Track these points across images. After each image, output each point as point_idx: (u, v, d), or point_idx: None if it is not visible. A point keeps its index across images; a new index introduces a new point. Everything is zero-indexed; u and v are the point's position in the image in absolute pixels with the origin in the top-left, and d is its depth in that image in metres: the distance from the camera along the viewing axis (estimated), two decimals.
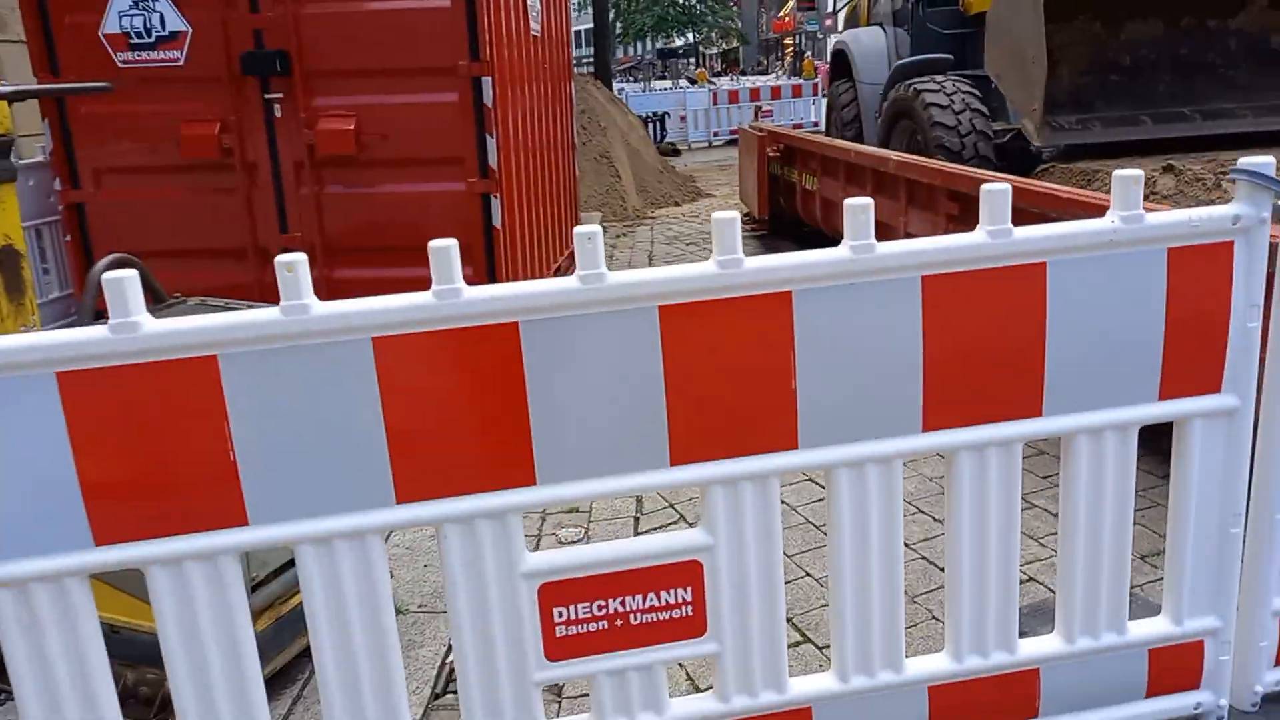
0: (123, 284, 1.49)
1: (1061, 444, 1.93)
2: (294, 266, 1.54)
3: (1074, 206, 3.73)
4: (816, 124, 18.49)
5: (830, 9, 51.25)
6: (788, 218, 8.49)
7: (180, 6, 5.08)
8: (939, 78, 6.29)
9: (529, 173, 6.27)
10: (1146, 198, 3.87)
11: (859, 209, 1.73)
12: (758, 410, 1.78)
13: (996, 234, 1.79)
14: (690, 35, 53.30)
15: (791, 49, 56.45)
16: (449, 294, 1.60)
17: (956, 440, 1.84)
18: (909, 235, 5.51)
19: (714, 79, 29.99)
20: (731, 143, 19.64)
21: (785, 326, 1.76)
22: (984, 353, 1.84)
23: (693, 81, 28.34)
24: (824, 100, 20.17)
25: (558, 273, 7.34)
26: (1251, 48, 4.92)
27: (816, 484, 3.60)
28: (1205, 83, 4.84)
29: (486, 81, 5.18)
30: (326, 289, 5.43)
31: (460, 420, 1.68)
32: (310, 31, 5.16)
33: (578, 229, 1.67)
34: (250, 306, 3.25)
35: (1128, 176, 1.83)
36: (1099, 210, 3.07)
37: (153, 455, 1.57)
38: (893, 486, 1.84)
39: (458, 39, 5.12)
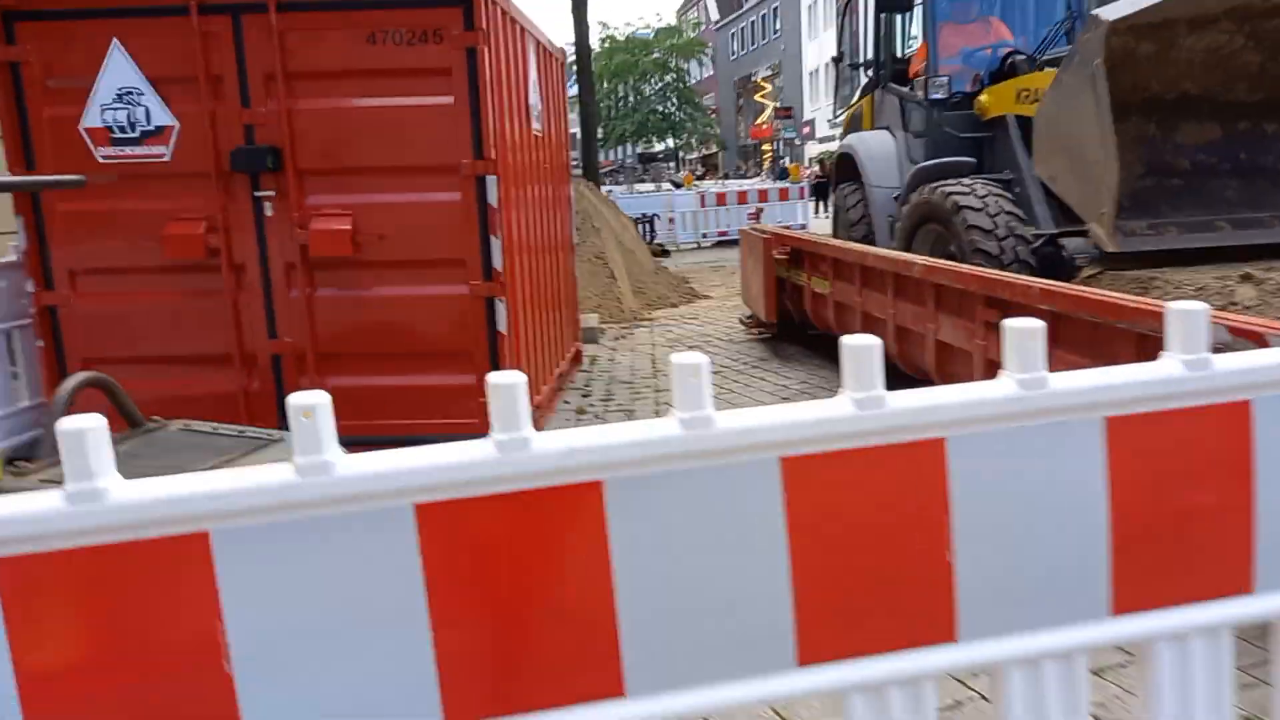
0: (84, 440, 1.09)
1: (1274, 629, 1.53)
2: (310, 413, 1.15)
3: (1143, 317, 3.42)
4: (804, 225, 18.56)
5: (803, 119, 52.80)
6: (796, 321, 8.21)
7: (168, 100, 4.79)
8: (967, 181, 6.09)
9: (532, 275, 5.96)
10: (1223, 308, 3.60)
11: (1026, 333, 1.36)
12: (904, 590, 1.38)
13: (1194, 365, 1.42)
14: (670, 140, 54.48)
15: (770, 154, 57.76)
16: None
17: (1153, 627, 1.44)
18: (940, 343, 5.20)
19: (698, 182, 30.25)
20: (721, 244, 19.70)
21: (938, 481, 1.37)
22: (1180, 511, 1.46)
23: (676, 185, 28.69)
24: (808, 204, 20.40)
25: (560, 379, 6.97)
26: None
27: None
28: (1268, 188, 4.66)
29: (491, 180, 4.89)
30: None
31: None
32: (305, 127, 4.88)
33: (677, 359, 1.30)
34: (241, 433, 2.86)
35: None
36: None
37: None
38: (1076, 692, 1.42)
39: (461, 136, 4.85)
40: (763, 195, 19.96)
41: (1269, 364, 1.44)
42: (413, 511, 1.20)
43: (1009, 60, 6.98)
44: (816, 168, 38.10)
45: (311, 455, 1.15)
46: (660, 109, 51.39)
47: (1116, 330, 3.61)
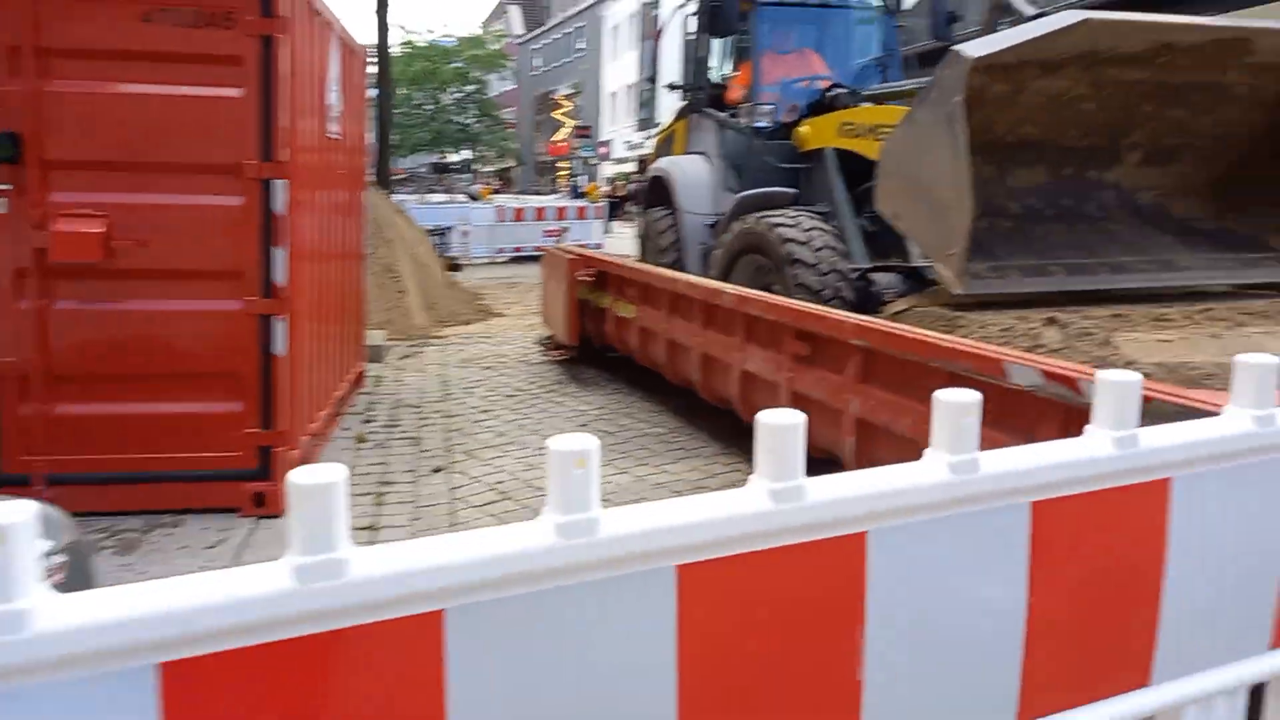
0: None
1: None
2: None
3: (957, 356, 3.42)
4: (600, 245, 18.55)
5: (600, 138, 53.47)
6: (595, 344, 8.02)
7: None
8: (791, 213, 6.02)
9: (317, 289, 5.40)
10: (1030, 349, 3.68)
11: (960, 409, 1.16)
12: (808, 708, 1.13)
13: (1123, 442, 1.26)
14: (467, 152, 53.54)
15: (566, 172, 57.98)
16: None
17: None
18: (746, 374, 5.13)
19: (495, 195, 29.75)
20: (516, 260, 19.34)
21: (855, 583, 1.14)
22: (1096, 600, 1.30)
23: (473, 197, 28.03)
24: (602, 223, 20.44)
25: (339, 403, 6.36)
26: (1124, 202, 4.97)
27: None
28: (1089, 234, 4.77)
29: (279, 185, 4.34)
30: (44, 427, 4.26)
31: None
32: (57, 112, 4.15)
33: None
34: None
35: (1264, 366, 1.37)
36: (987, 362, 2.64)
37: None
38: None
39: (248, 134, 4.28)
40: (561, 213, 19.79)
41: (1189, 440, 1.30)
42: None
43: (829, 93, 7.00)
44: (609, 187, 38.59)
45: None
46: (458, 119, 50.37)
47: (929, 369, 3.60)
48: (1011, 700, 1.24)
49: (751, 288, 5.97)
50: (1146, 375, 3.13)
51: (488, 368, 8.47)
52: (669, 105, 9.19)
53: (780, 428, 1.06)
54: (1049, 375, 3.00)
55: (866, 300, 5.46)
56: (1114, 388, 1.25)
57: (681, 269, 7.48)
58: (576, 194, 41.58)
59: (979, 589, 1.21)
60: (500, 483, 5.13)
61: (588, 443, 0.98)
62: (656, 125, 9.54)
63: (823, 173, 6.57)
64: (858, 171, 6.31)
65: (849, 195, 6.30)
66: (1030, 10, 5.10)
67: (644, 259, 8.34)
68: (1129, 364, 3.18)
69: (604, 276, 7.62)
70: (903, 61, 7.83)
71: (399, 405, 7.03)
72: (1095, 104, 4.52)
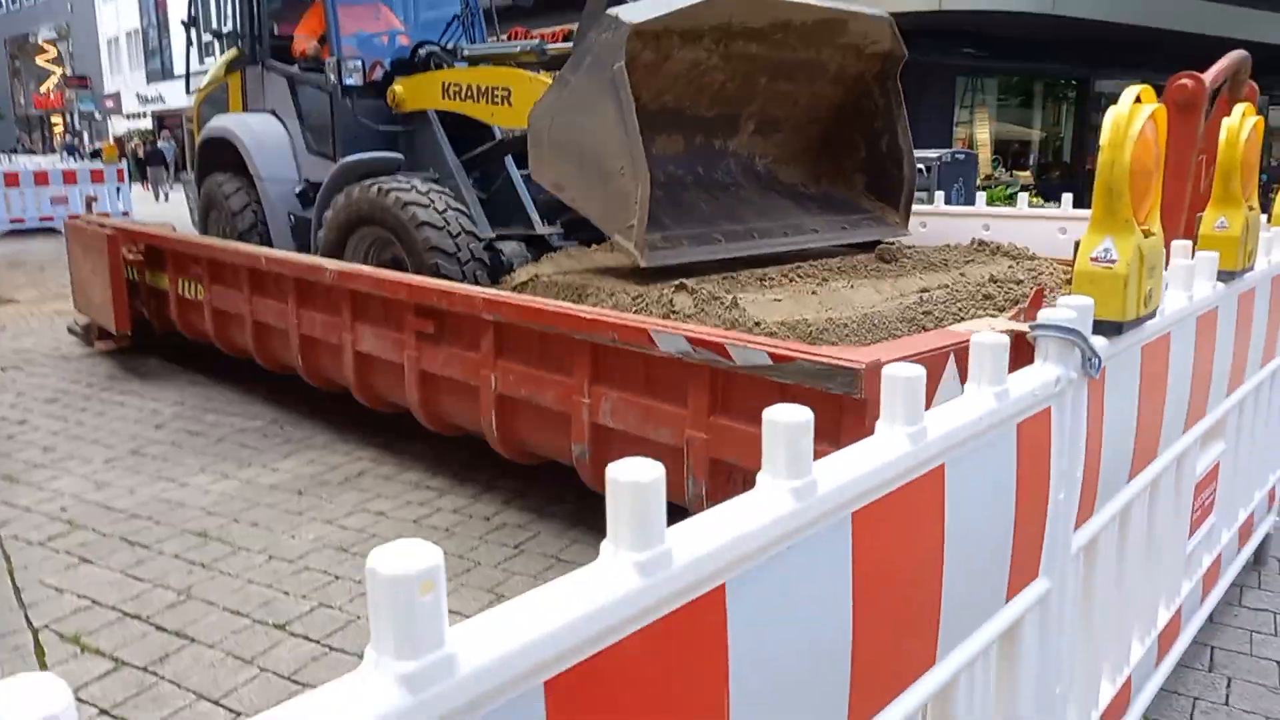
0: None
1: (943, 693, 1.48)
2: None
3: (600, 328, 3.43)
4: (127, 213, 16.17)
5: (105, 89, 46.37)
6: (160, 330, 6.94)
7: None
8: (403, 178, 5.46)
9: None
10: (665, 316, 3.80)
11: (796, 429, 1.07)
12: None
13: (915, 436, 1.27)
14: None
15: (63, 127, 49.59)
16: None
17: None
18: (360, 354, 4.74)
19: None
20: (15, 234, 16.17)
21: (719, 640, 1.01)
22: (901, 597, 1.31)
23: None
24: (126, 188, 17.81)
25: None
26: (745, 169, 5.22)
27: None
28: (727, 200, 4.90)
29: None
30: None
31: None
32: None
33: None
34: None
35: (995, 345, 1.46)
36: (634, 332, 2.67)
37: None
38: None
39: None
40: (70, 176, 16.84)
41: (958, 425, 1.35)
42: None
43: (419, 49, 6.49)
44: (134, 145, 33.81)
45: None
46: None
47: (572, 340, 3.58)
48: (841, 712, 1.21)
49: (373, 263, 5.48)
50: (772, 334, 3.41)
51: (9, 368, 6.96)
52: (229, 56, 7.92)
53: (640, 485, 0.88)
54: (696, 342, 3.10)
55: (496, 270, 5.20)
56: (902, 384, 1.24)
57: (266, 242, 6.69)
58: (71, 152, 35.62)
59: (815, 611, 1.16)
60: (63, 509, 4.22)
61: (424, 556, 0.73)
62: (193, 76, 8.27)
63: (427, 136, 6.15)
64: (461, 137, 6.05)
65: (458, 159, 5.98)
66: None
67: (205, 233, 7.31)
68: (757, 324, 3.41)
69: (158, 252, 6.58)
70: (485, 18, 7.53)
71: None
72: (724, 75, 4.68)
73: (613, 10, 4.15)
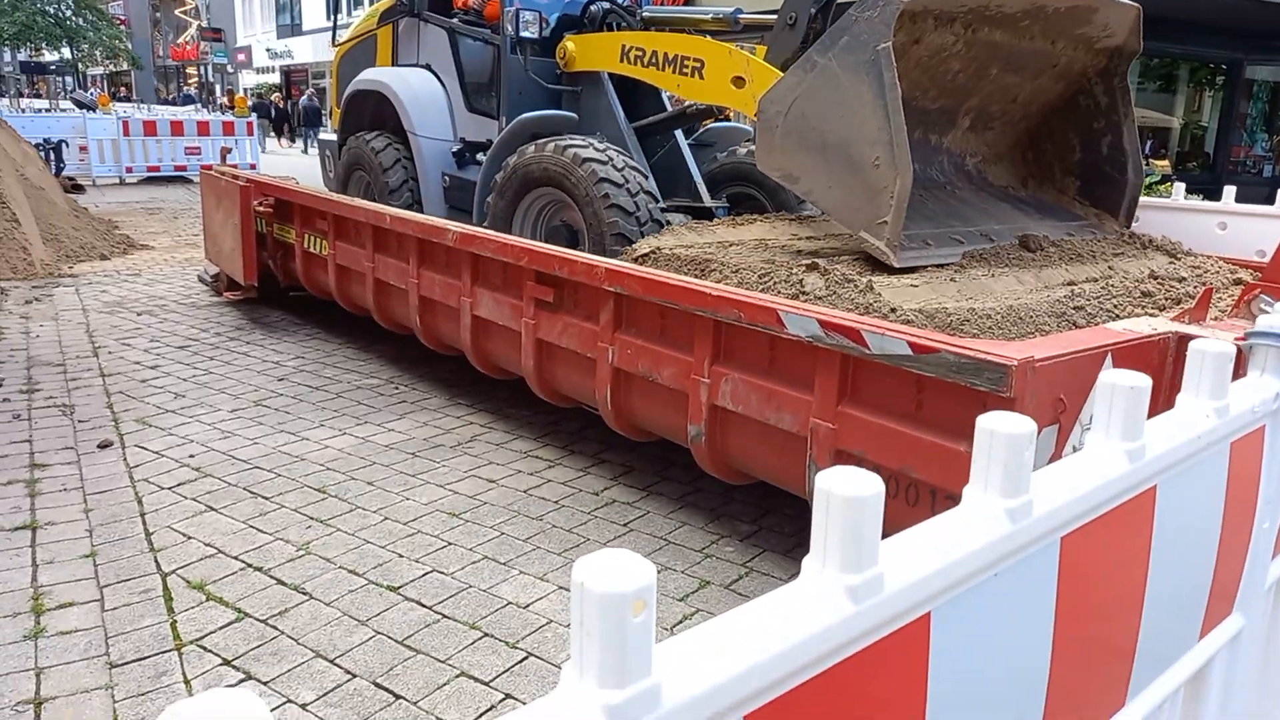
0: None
1: None
2: None
3: (724, 305, 3.31)
4: (254, 166, 16.75)
5: (237, 43, 48.17)
6: (284, 283, 7.13)
7: None
8: (594, 140, 5.29)
9: None
10: (794, 297, 3.66)
11: (1017, 442, 0.94)
12: None
13: (1134, 454, 1.13)
14: (68, 50, 45.95)
15: (197, 79, 51.73)
16: None
17: None
18: (478, 319, 4.74)
19: (118, 104, 25.89)
20: (151, 181, 16.94)
21: (919, 663, 0.90)
22: (1099, 627, 1.18)
23: (85, 106, 24.08)
24: (255, 141, 18.43)
25: None
26: (957, 168, 4.90)
27: None
28: (949, 200, 4.63)
29: None
30: None
31: None
32: None
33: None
34: None
35: (1218, 353, 1.29)
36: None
37: None
38: None
39: None
40: (203, 127, 17.55)
41: (1170, 446, 1.20)
42: None
43: (590, 8, 6.23)
44: (257, 99, 35.00)
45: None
46: (50, 10, 42.84)
47: (692, 316, 3.47)
48: None
49: (543, 229, 5.43)
50: (908, 322, 3.23)
51: (144, 313, 7.25)
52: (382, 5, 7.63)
53: (858, 501, 0.78)
54: (828, 326, 2.96)
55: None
56: (1123, 393, 1.10)
57: (416, 203, 6.62)
58: (188, 101, 36.80)
59: (1014, 643, 1.03)
60: (192, 456, 4.35)
61: (638, 573, 0.63)
62: (337, 28, 8.26)
63: (598, 98, 5.91)
64: (627, 101, 5.85)
65: (628, 123, 5.76)
66: None
67: (345, 192, 7.31)
68: (893, 310, 3.24)
69: (286, 206, 6.74)
70: None
71: (35, 363, 5.79)
72: (960, 63, 4.36)
73: None
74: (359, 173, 7.21)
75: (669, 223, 5.05)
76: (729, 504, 4.03)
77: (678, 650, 0.69)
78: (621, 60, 5.66)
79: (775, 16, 5.01)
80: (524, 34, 5.95)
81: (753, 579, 3.37)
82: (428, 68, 6.90)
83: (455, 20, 6.66)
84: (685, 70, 5.20)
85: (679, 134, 5.92)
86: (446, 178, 6.60)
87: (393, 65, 7.23)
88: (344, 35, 8.14)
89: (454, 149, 6.61)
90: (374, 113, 6.98)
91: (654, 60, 5.39)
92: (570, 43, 6.02)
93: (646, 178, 5.10)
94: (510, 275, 4.52)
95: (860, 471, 0.81)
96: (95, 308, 7.40)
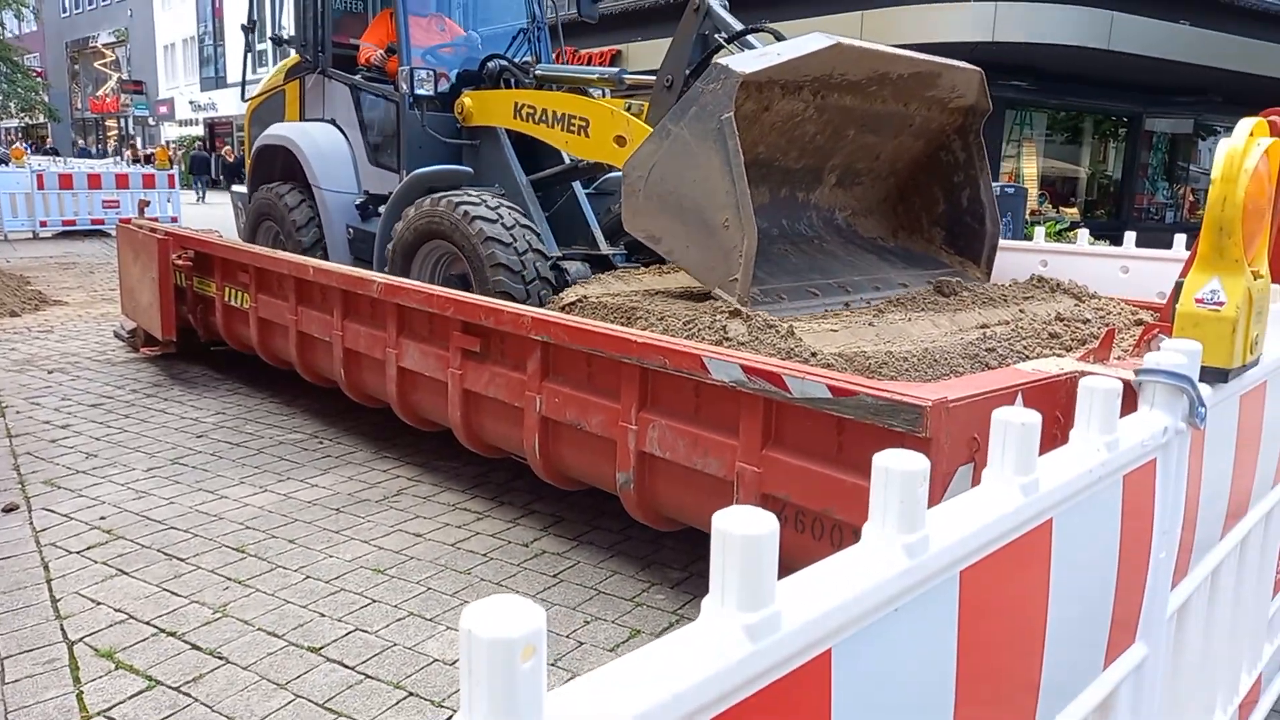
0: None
1: None
2: None
3: (649, 352, 3.33)
4: (175, 219, 16.44)
5: (159, 95, 47.42)
6: (204, 338, 6.96)
7: None
8: (474, 191, 5.44)
9: None
10: (720, 343, 3.71)
11: (909, 478, 0.97)
12: None
13: (1028, 488, 1.17)
14: None
15: (117, 132, 50.73)
16: None
17: None
18: (404, 370, 4.69)
19: (35, 157, 25.23)
20: (67, 235, 16.49)
21: (822, 701, 0.91)
22: (1002, 661, 1.20)
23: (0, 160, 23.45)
24: (177, 193, 18.10)
25: None
26: (826, 222, 5.11)
27: None
28: (813, 253, 4.82)
29: None
30: None
31: None
32: None
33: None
34: None
35: (1107, 390, 1.35)
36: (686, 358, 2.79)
37: None
38: None
39: None
40: (122, 180, 17.16)
41: (1064, 481, 1.24)
42: None
43: (488, 64, 6.40)
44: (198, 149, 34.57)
45: None
46: None
47: (620, 364, 3.49)
48: None
49: (438, 280, 5.48)
50: (828, 365, 3.30)
51: (55, 370, 7.01)
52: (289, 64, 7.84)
53: (754, 539, 0.79)
54: (751, 371, 3.00)
55: (561, 289, 5.11)
56: (1015, 430, 1.14)
57: (324, 254, 6.67)
58: (85, 155, 36.19)
59: (918, 678, 1.05)
60: (103, 519, 4.19)
61: (526, 618, 0.63)
62: (247, 83, 8.27)
63: (495, 152, 6.06)
64: (526, 153, 5.97)
65: (527, 178, 5.90)
66: (736, 24, 4.96)
67: (253, 241, 7.30)
68: (813, 354, 3.31)
69: (206, 259, 6.61)
70: (550, 33, 7.46)
71: None
72: (816, 127, 4.59)
73: (722, 60, 4.05)
74: (267, 222, 7.29)
75: (564, 275, 5.19)
76: (659, 551, 4.02)
77: (571, 696, 0.69)
78: (515, 117, 5.84)
79: (655, 77, 5.20)
80: (419, 91, 6.14)
81: (684, 626, 3.36)
82: (333, 122, 7.04)
83: (358, 77, 6.82)
84: (573, 129, 5.40)
85: (577, 184, 6.04)
86: (350, 229, 6.71)
87: (301, 119, 7.32)
88: (254, 90, 8.13)
89: (357, 201, 6.72)
90: (283, 165, 7.06)
91: (544, 118, 5.60)
92: (468, 98, 6.20)
93: (538, 235, 5.25)
94: (436, 325, 4.49)
95: (756, 510, 0.83)
96: (3, 366, 7.13)
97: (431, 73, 6.25)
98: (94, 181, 16.87)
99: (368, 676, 2.94)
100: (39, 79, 47.58)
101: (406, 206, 5.68)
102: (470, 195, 5.32)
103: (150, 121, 48.44)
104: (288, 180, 7.06)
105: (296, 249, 6.69)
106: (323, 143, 6.86)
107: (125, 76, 49.33)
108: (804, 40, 4.17)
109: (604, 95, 5.68)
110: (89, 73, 54.79)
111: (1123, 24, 16.18)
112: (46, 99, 47.82)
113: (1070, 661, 1.37)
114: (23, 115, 49.30)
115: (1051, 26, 15.82)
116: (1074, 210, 21.70)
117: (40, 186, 16.19)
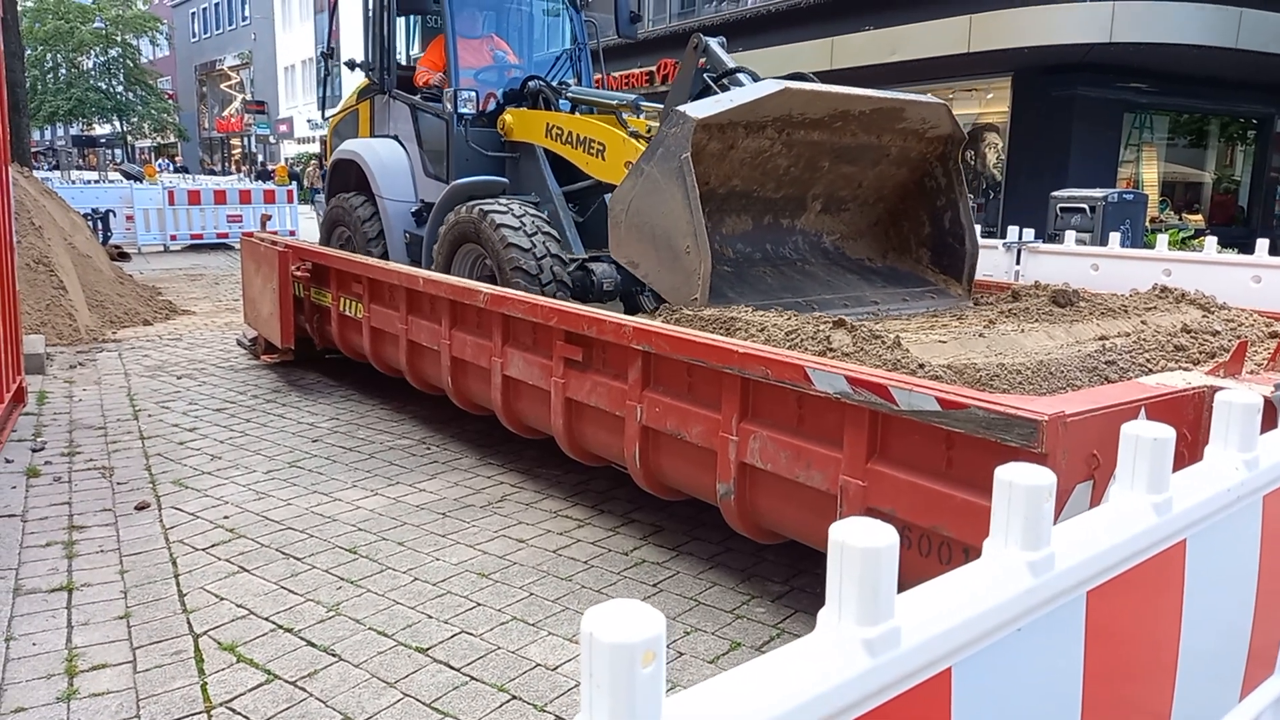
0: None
1: None
2: None
3: (750, 362, 3.31)
4: (293, 232, 17.14)
5: (279, 114, 49.70)
6: (316, 345, 7.25)
7: None
8: (504, 200, 5.96)
9: None
10: (820, 354, 3.67)
11: (1035, 494, 0.93)
12: None
13: (1161, 507, 1.11)
14: (117, 123, 47.69)
15: (240, 150, 53.34)
16: None
17: None
18: (508, 379, 4.79)
19: (165, 174, 26.71)
20: (195, 249, 17.38)
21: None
22: (1132, 686, 1.15)
23: (132, 176, 24.93)
24: (295, 208, 18.90)
25: None
26: (812, 245, 5.45)
27: None
28: (792, 274, 5.13)
29: None
30: None
31: None
32: None
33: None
34: None
35: (1246, 405, 1.28)
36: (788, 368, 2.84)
37: None
38: None
39: None
40: (245, 196, 18.02)
41: (1201, 500, 1.18)
42: None
43: (529, 84, 6.91)
44: (312, 168, 36.10)
45: None
46: (103, 86, 44.62)
47: (720, 374, 3.48)
48: None
49: (474, 278, 5.86)
50: (937, 377, 3.22)
51: (184, 376, 7.39)
52: (350, 82, 8.52)
53: (874, 552, 0.78)
54: (856, 382, 2.95)
55: (587, 289, 5.64)
56: (1148, 445, 1.09)
57: (385, 258, 7.11)
58: (261, 176, 38.16)
59: (1040, 703, 1.01)
60: (226, 518, 4.39)
61: (647, 623, 0.64)
62: (332, 104, 8.89)
63: (532, 164, 6.56)
64: (567, 165, 6.35)
65: (559, 188, 6.35)
66: (730, 63, 5.44)
67: (328, 245, 7.85)
68: (921, 366, 3.23)
69: (323, 270, 6.88)
70: (591, 56, 7.94)
71: (77, 426, 5.90)
72: (788, 160, 4.95)
73: (681, 107, 4.50)
74: (340, 228, 7.92)
75: (592, 276, 5.71)
76: (760, 564, 3.98)
77: (689, 702, 0.69)
78: (546, 136, 6.39)
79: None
80: (462, 110, 6.74)
81: (784, 640, 3.32)
82: (395, 138, 7.61)
83: (417, 98, 7.40)
84: (592, 151, 5.96)
85: (607, 196, 6.33)
86: (407, 235, 7.26)
87: (370, 135, 7.93)
88: (336, 108, 8.80)
89: (413, 209, 7.29)
90: (357, 177, 7.66)
91: (570, 139, 6.16)
92: (509, 116, 6.74)
93: (558, 241, 5.70)
94: (540, 335, 4.56)
95: (874, 522, 0.81)
96: (137, 372, 7.55)
97: (474, 94, 6.83)
98: (219, 197, 17.73)
99: (473, 678, 3.00)
100: (170, 101, 50.42)
101: (448, 213, 6.22)
102: (499, 204, 5.82)
103: (271, 140, 50.76)
104: (359, 190, 7.63)
105: (364, 252, 7.27)
106: (385, 156, 7.46)
107: (249, 97, 51.84)
108: (757, 86, 4.68)
109: (635, 115, 6.13)
110: (215, 94, 57.79)
111: (1252, 20, 15.34)
112: (177, 120, 50.62)
113: (1204, 691, 1.30)
114: (155, 135, 52.27)
115: (1173, 26, 15.11)
116: (1198, 217, 20.65)
117: (171, 202, 17.12)
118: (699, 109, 4.46)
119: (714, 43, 5.54)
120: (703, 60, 5.63)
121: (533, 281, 5.43)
